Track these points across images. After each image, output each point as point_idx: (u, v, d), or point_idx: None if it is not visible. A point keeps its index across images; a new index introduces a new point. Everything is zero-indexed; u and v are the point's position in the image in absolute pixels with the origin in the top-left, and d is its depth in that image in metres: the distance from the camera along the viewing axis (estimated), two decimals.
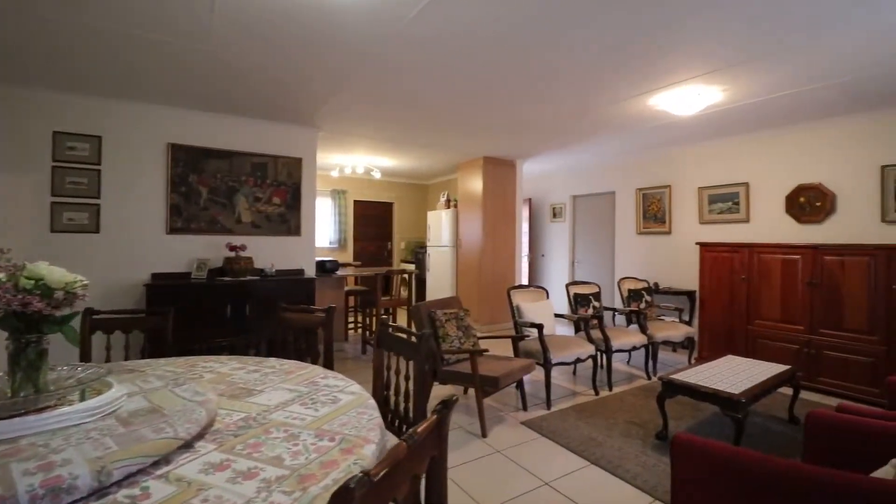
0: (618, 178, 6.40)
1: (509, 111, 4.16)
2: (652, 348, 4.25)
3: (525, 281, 7.58)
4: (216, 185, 4.25)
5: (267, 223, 4.56)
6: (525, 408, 3.39)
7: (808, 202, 4.45)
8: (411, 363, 1.70)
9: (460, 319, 3.44)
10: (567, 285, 4.45)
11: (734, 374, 2.97)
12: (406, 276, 5.51)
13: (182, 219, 4.10)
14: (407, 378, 1.76)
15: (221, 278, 3.99)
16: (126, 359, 2.29)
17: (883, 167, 3.97)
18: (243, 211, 4.39)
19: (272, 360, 2.02)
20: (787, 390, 3.28)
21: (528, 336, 3.69)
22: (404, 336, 1.76)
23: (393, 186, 8.57)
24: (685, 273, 5.49)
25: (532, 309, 3.87)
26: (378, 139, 5.42)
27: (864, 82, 3.31)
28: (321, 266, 4.92)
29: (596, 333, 3.96)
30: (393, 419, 1.81)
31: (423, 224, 8.80)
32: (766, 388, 2.78)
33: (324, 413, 1.42)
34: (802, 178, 4.50)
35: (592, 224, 6.89)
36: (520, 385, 3.40)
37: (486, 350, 2.92)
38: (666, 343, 4.35)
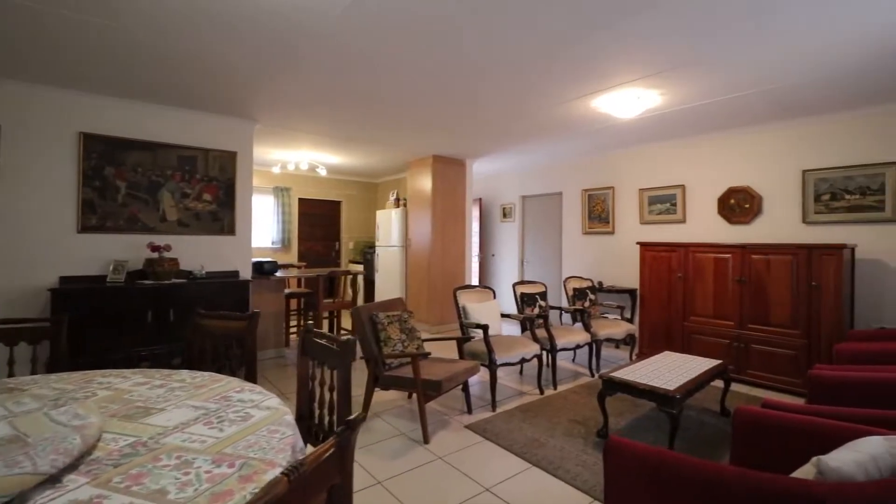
0: (565, 179, 6.51)
1: (455, 111, 4.10)
2: (595, 346, 4.32)
3: (476, 281, 7.57)
4: (137, 180, 3.89)
5: (196, 221, 4.24)
6: (470, 410, 3.32)
7: (738, 204, 4.69)
8: (336, 372, 1.56)
9: (404, 322, 3.32)
10: (514, 285, 4.44)
11: (670, 370, 3.04)
12: (352, 276, 5.32)
13: (96, 216, 3.71)
14: (332, 389, 1.62)
15: (142, 282, 3.65)
16: (10, 375, 1.99)
17: (804, 171, 4.24)
18: (168, 208, 4.05)
19: (183, 373, 1.82)
20: (719, 383, 3.41)
21: (473, 337, 3.63)
22: (327, 343, 1.62)
23: (341, 184, 8.30)
24: (627, 272, 5.65)
25: (478, 309, 3.81)
26: (322, 135, 5.20)
27: (787, 92, 3.51)
28: (258, 267, 4.64)
29: (541, 333, 3.97)
30: (317, 433, 1.67)
31: (373, 224, 8.60)
32: (699, 383, 2.86)
33: (229, 434, 1.26)
34: (733, 181, 4.74)
35: (541, 224, 6.98)
36: (465, 387, 3.33)
37: (429, 353, 2.82)
38: (609, 340, 4.44)
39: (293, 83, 3.45)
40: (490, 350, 3.39)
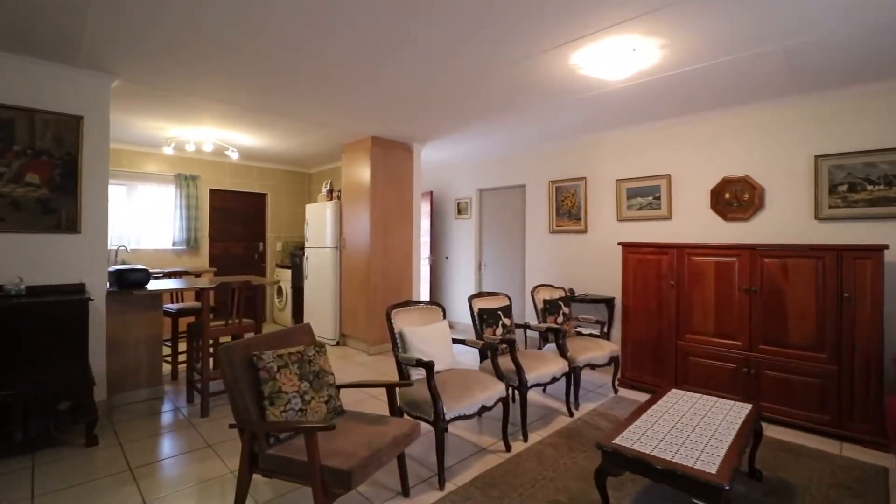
0: (529, 170, 5.58)
1: (396, 71, 3.02)
2: (574, 375, 3.38)
3: (426, 288, 6.50)
4: None
5: (14, 213, 2.91)
6: (406, 492, 2.26)
7: (735, 197, 3.92)
8: None
9: (308, 362, 2.20)
10: (470, 299, 3.41)
11: (691, 425, 2.12)
12: (270, 286, 4.09)
13: None
14: None
15: None
16: None
17: (816, 157, 3.50)
18: None
19: None
20: None
21: (412, 382, 2.56)
22: None
23: (266, 174, 6.99)
24: (603, 277, 4.79)
25: (421, 335, 2.75)
26: (225, 104, 3.96)
27: (809, 51, 2.70)
28: (120, 278, 3.34)
29: (506, 363, 2.97)
30: None
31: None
32: (740, 449, 1.94)
33: None
34: (729, 171, 3.96)
35: (502, 222, 6.03)
36: (400, 457, 2.26)
37: (332, 427, 1.74)
38: (590, 367, 3.52)
39: (162, 22, 2.25)
40: (436, 399, 2.34)
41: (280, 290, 6.67)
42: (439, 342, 2.82)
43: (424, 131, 4.91)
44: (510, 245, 5.89)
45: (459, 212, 6.49)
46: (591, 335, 4.07)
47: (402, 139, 5.27)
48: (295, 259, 6.36)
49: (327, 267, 5.50)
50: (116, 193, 5.63)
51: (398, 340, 2.73)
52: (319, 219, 5.71)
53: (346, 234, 5.36)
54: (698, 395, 2.57)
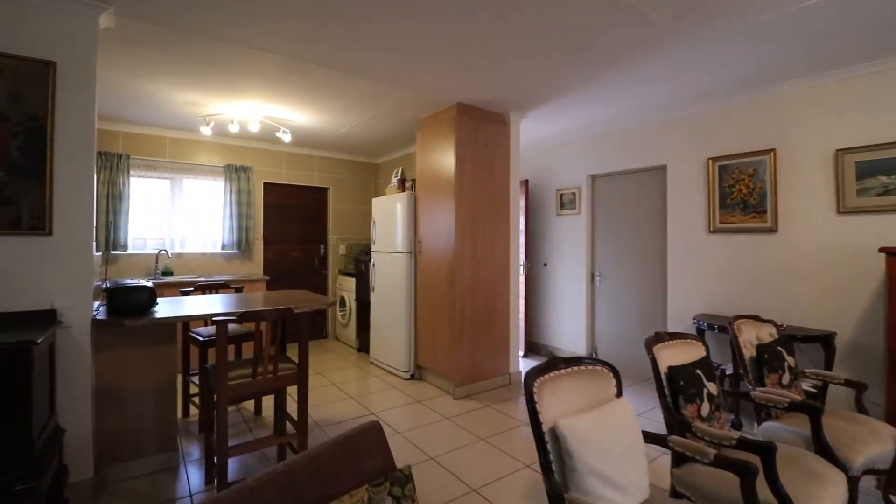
0: (672, 144, 4.02)
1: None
2: (851, 492, 1.84)
3: (521, 307, 5.10)
4: None
5: None
6: None
7: None
8: None
9: None
10: (649, 345, 1.96)
11: None
12: (326, 307, 2.91)
13: None
14: None
15: None
16: None
17: None
18: None
19: None
20: None
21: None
22: None
23: (328, 165, 5.97)
24: (810, 301, 3.14)
25: (593, 442, 1.38)
26: (266, 52, 2.86)
27: None
28: (113, 300, 2.30)
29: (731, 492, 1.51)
30: None
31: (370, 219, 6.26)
32: None
33: None
34: None
35: (625, 217, 4.50)
36: None
37: None
38: (867, 473, 1.95)
39: None
40: None
41: (343, 301, 5.61)
42: (626, 453, 1.43)
43: (527, 93, 3.55)
44: (639, 249, 4.34)
45: (562, 205, 5.03)
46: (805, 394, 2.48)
47: (495, 107, 3.94)
48: (360, 265, 5.24)
49: (398, 276, 4.30)
50: (159, 189, 4.82)
51: (547, 446, 1.38)
52: (388, 215, 4.53)
53: (423, 234, 4.12)
54: None
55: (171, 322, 2.36)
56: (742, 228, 3.52)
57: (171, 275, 4.68)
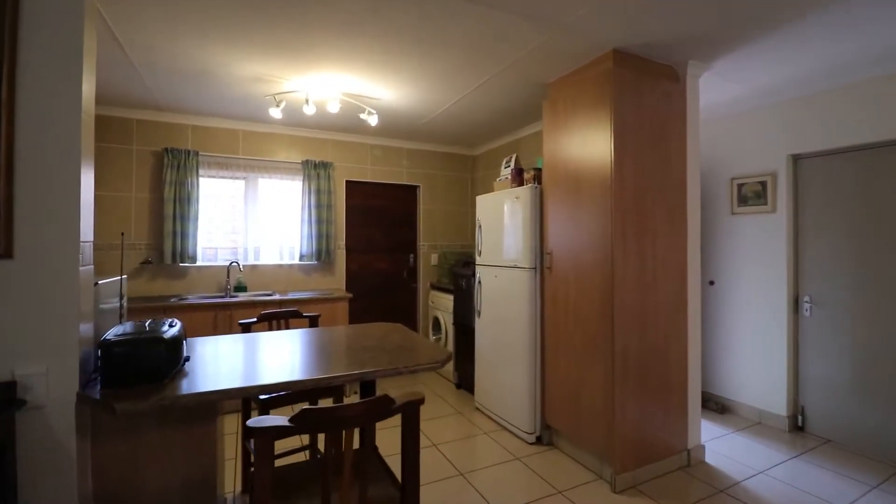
0: None
1: None
2: None
3: (697, 344, 3.73)
4: None
5: None
6: None
7: None
8: None
9: None
10: None
11: None
12: (430, 370, 1.88)
13: None
14: None
15: None
16: None
17: None
18: None
19: None
20: None
21: None
22: None
23: (418, 158, 5.02)
24: None
25: None
26: (362, 8, 1.91)
27: None
28: (110, 364, 1.43)
29: None
30: None
31: (470, 222, 5.21)
32: None
33: None
34: None
35: (862, 218, 2.98)
36: None
37: None
38: None
39: None
40: None
41: (438, 323, 4.62)
42: None
43: (713, 32, 2.24)
44: (876, 263, 2.81)
45: (743, 200, 3.59)
46: None
47: (665, 56, 2.67)
48: (460, 281, 4.20)
49: (516, 299, 3.17)
50: (233, 190, 4.17)
51: None
52: (498, 217, 3.42)
53: (554, 243, 2.96)
54: None
55: (188, 403, 1.44)
56: None
57: (244, 290, 4.00)
